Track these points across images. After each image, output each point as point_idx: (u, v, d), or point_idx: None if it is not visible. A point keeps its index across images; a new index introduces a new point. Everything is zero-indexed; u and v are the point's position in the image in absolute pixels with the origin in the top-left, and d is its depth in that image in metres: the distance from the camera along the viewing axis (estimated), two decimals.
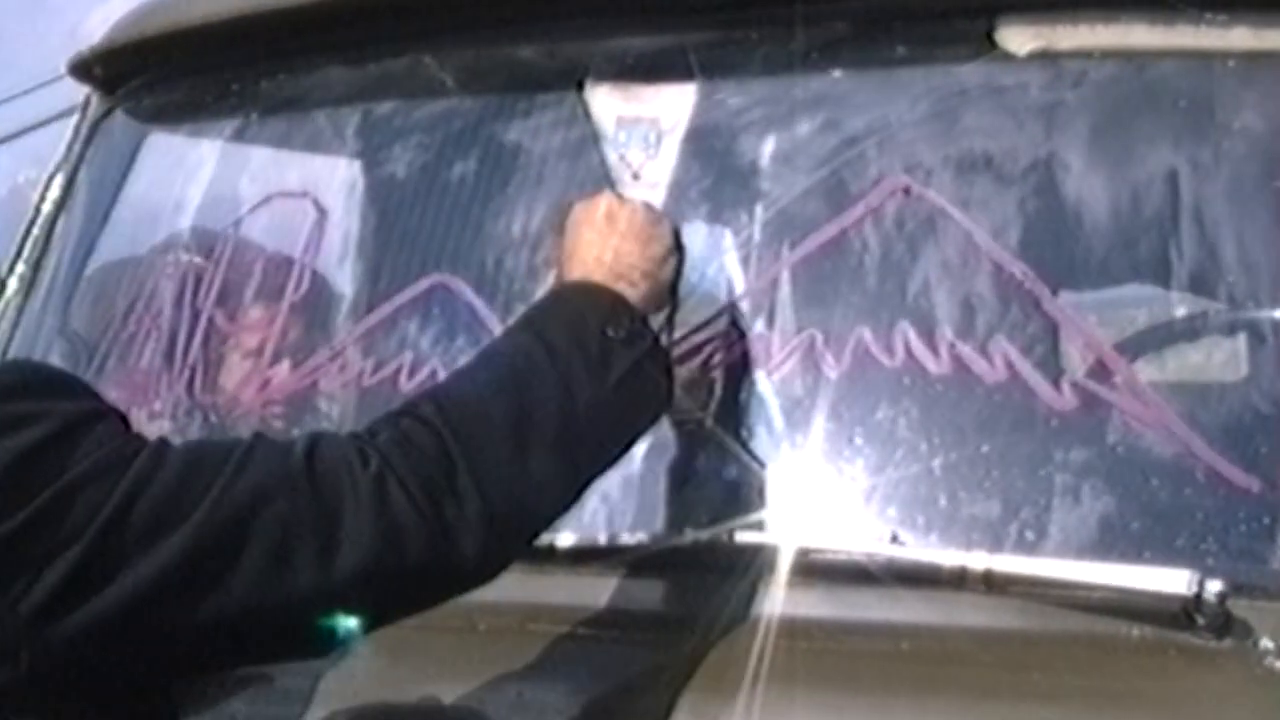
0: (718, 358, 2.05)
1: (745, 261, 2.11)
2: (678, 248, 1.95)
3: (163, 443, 1.56)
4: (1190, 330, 2.21)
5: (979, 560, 1.81)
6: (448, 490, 1.60)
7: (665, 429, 2.04)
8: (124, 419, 1.58)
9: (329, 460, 1.58)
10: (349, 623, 1.60)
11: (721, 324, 2.08)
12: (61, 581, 1.45)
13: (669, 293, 1.94)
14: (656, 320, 1.91)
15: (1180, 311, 2.21)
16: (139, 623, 1.49)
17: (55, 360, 2.51)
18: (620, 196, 1.99)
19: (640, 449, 1.99)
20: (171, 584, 1.49)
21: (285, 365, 2.32)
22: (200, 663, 1.61)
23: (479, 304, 2.17)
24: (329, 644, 1.62)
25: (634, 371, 1.77)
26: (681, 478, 2.03)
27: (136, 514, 1.48)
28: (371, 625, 1.64)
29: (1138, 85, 2.10)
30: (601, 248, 1.89)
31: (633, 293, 1.85)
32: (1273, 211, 2.01)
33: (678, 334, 2.04)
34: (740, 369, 2.04)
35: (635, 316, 1.82)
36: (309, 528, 1.54)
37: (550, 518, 1.74)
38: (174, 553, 1.48)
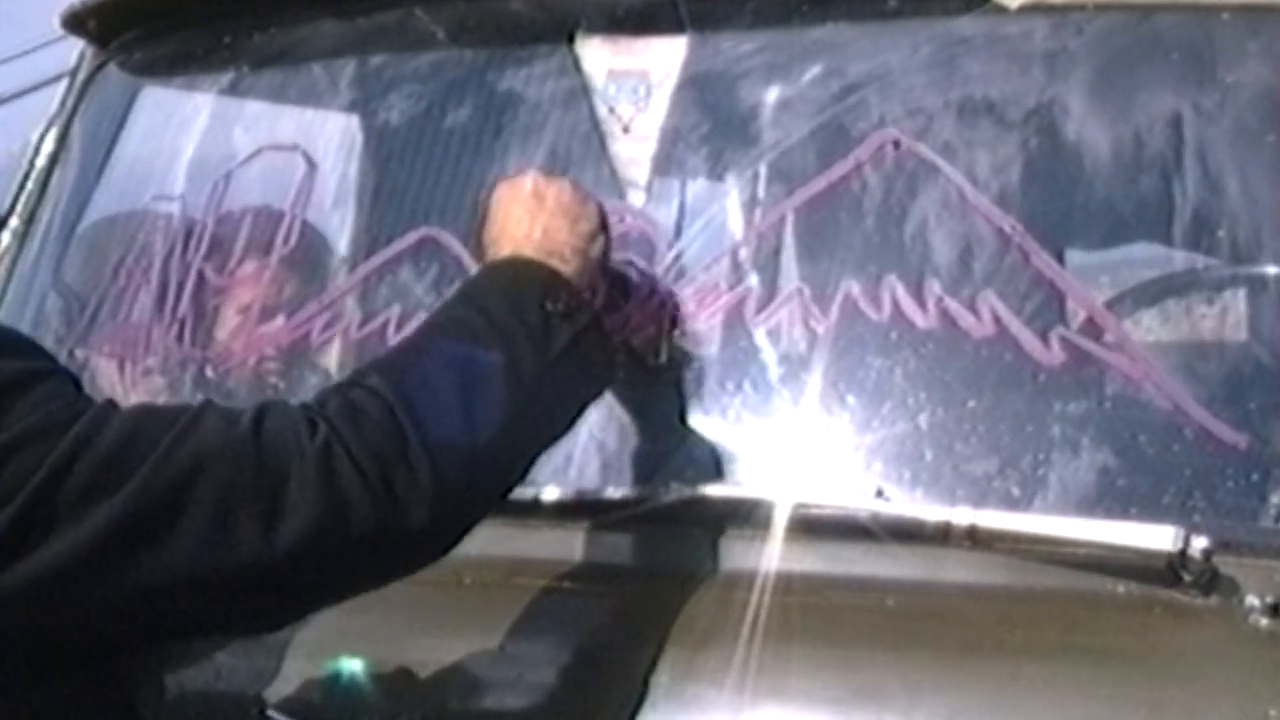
0: (705, 312, 2.04)
1: (734, 215, 2.10)
2: (604, 227, 1.94)
3: (109, 406, 1.55)
4: (1184, 287, 2.20)
5: (964, 516, 1.80)
6: (398, 461, 1.57)
7: (652, 383, 2.03)
8: (75, 380, 1.57)
9: (276, 429, 1.55)
10: (298, 596, 1.59)
11: (709, 277, 2.06)
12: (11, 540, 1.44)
13: (598, 271, 1.92)
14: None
15: (1175, 268, 2.21)
16: (72, 589, 1.47)
17: (49, 313, 2.52)
18: (545, 175, 1.97)
19: (626, 404, 1.99)
20: (107, 550, 1.47)
21: (275, 318, 2.31)
22: (140, 632, 1.57)
23: (466, 257, 2.15)
24: (275, 618, 1.62)
25: (575, 344, 1.75)
26: (667, 432, 2.02)
27: (73, 478, 1.46)
28: (321, 600, 1.63)
29: (1132, 39, 2.08)
30: (530, 225, 1.87)
31: (565, 269, 1.82)
32: (1271, 170, 1.99)
33: (674, 286, 2.03)
34: (727, 323, 2.03)
35: (572, 291, 1.80)
36: (252, 497, 1.51)
37: (500, 489, 1.71)
38: (109, 518, 1.46)
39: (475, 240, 1.97)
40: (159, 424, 1.52)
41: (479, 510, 1.67)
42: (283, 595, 1.58)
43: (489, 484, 1.68)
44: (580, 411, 1.83)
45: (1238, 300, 2.13)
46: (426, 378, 1.66)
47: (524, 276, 1.80)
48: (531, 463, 1.75)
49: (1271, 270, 2.02)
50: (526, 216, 1.88)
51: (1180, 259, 2.13)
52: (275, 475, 1.52)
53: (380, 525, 1.55)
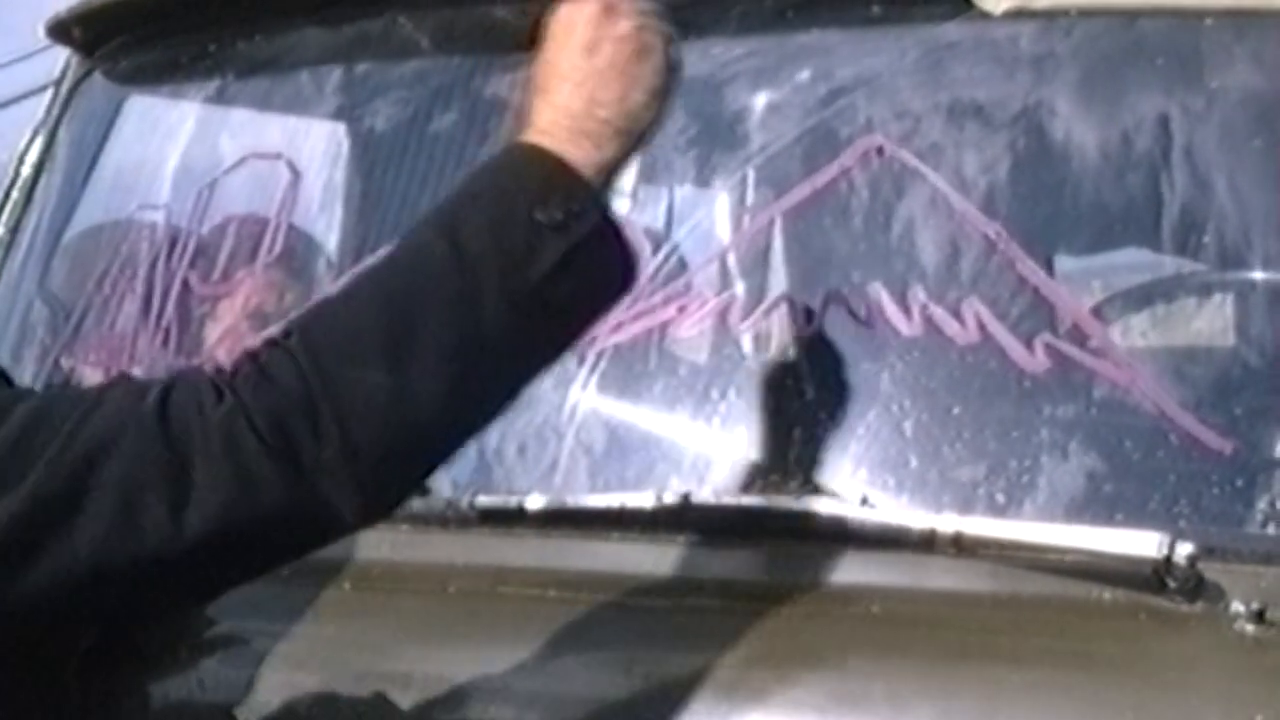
0: (691, 319, 2.03)
1: (720, 222, 2.10)
2: (663, 91, 1.66)
3: (14, 397, 1.50)
4: (1170, 292, 2.20)
5: (949, 523, 1.80)
6: (306, 431, 1.46)
7: (638, 390, 2.03)
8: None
9: (180, 403, 1.47)
10: (211, 576, 1.53)
11: (695, 284, 2.06)
12: None
13: (637, 145, 1.66)
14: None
15: (1162, 273, 2.20)
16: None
17: (34, 322, 2.52)
18: (606, 13, 1.64)
19: (607, 410, 1.98)
20: (10, 544, 1.43)
21: (261, 326, 2.31)
22: (56, 624, 1.53)
23: None
24: (191, 599, 1.58)
25: (564, 264, 1.54)
26: (650, 439, 2.02)
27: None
28: (236, 577, 1.56)
29: (1117, 44, 2.08)
30: (573, 92, 1.61)
31: (597, 155, 1.60)
32: (1259, 175, 1.99)
33: (660, 292, 2.03)
34: (713, 330, 2.03)
35: (577, 192, 1.57)
36: (157, 477, 1.44)
37: (436, 453, 1.57)
38: (11, 512, 1.42)
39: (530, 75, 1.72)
40: (63, 407, 1.47)
41: (413, 474, 1.56)
42: (196, 577, 1.51)
43: (417, 450, 1.54)
44: (567, 343, 1.63)
45: (1224, 305, 2.13)
46: (352, 332, 1.52)
47: (525, 176, 1.58)
48: (485, 420, 1.60)
49: (1258, 275, 2.02)
50: (571, 76, 1.62)
51: (1167, 264, 2.13)
52: (180, 452, 1.45)
53: (289, 500, 1.46)
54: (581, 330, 1.64)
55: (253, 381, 1.48)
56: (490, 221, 1.55)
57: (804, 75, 2.11)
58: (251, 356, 1.51)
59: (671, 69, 1.67)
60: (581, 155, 1.59)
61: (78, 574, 1.44)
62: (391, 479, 1.52)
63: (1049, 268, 2.04)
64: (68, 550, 1.43)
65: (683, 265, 2.10)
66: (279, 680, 1.88)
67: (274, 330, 1.58)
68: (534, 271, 1.53)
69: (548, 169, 1.58)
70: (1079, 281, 2.06)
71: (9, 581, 1.43)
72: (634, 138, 1.64)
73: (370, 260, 1.68)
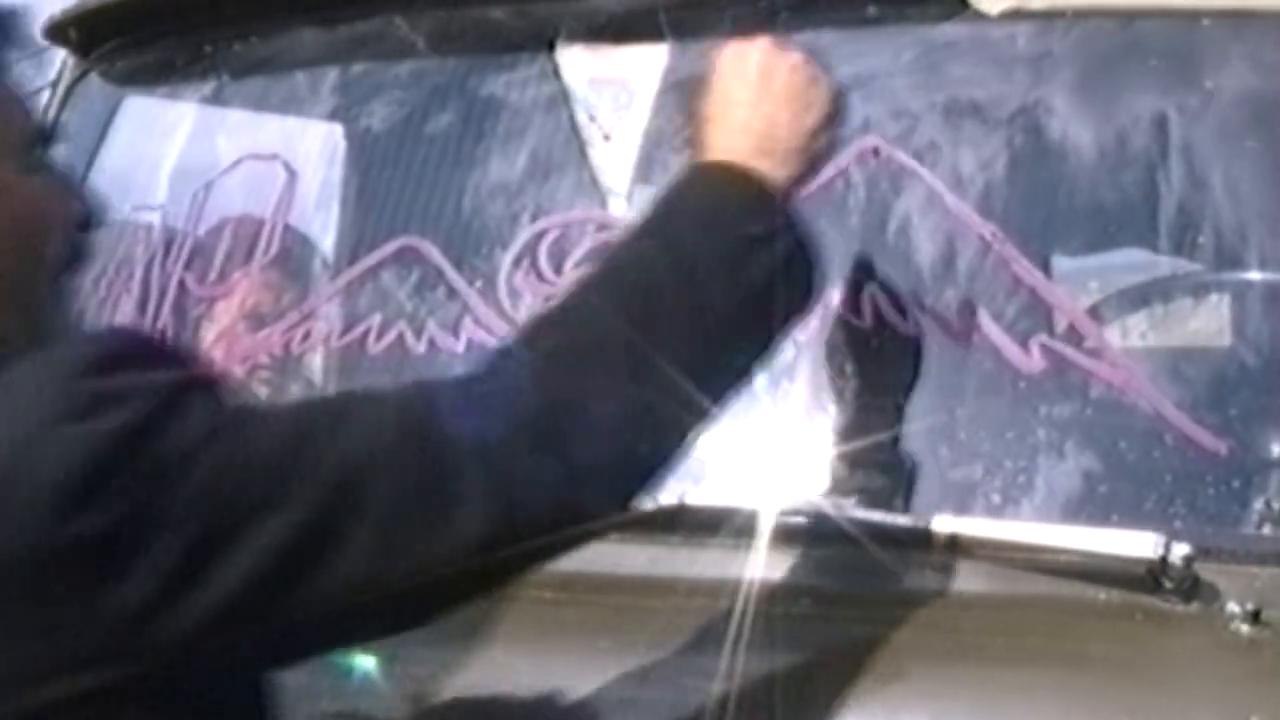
0: None
1: None
2: (834, 116, 1.73)
3: (250, 413, 1.43)
4: (1166, 293, 2.20)
5: (944, 524, 1.80)
6: (560, 438, 1.46)
7: None
8: (219, 383, 1.44)
9: (435, 420, 1.45)
10: (464, 590, 1.50)
11: None
12: (164, 578, 1.31)
13: (813, 168, 1.72)
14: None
15: (1158, 275, 2.20)
16: (244, 614, 1.36)
17: None
18: (776, 46, 1.74)
19: None
20: (280, 568, 1.35)
21: (257, 327, 2.31)
22: (304, 651, 1.47)
23: (446, 266, 2.15)
24: (437, 614, 1.51)
25: (770, 278, 1.57)
26: None
27: (239, 494, 1.35)
28: (483, 591, 1.55)
29: (1114, 44, 2.08)
30: (751, 113, 1.66)
31: (779, 172, 1.63)
32: (1256, 175, 2.00)
33: None
34: None
35: (779, 206, 1.61)
36: (420, 496, 1.41)
37: (668, 456, 1.58)
38: (280, 535, 1.34)
39: (689, 109, 1.76)
40: (308, 427, 1.41)
41: (649, 478, 1.57)
42: (453, 592, 1.49)
43: (654, 451, 1.56)
44: (766, 359, 1.66)
45: (1221, 306, 2.13)
46: (593, 344, 1.53)
47: (728, 192, 1.61)
48: (709, 423, 1.60)
49: (1254, 275, 2.02)
50: (748, 100, 1.67)
51: (1163, 264, 2.13)
52: (436, 470, 1.42)
53: (545, 507, 1.46)
54: (778, 343, 1.67)
55: (505, 396, 1.48)
56: (705, 236, 1.57)
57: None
58: (490, 370, 1.53)
59: (840, 95, 1.74)
60: (769, 172, 1.63)
61: (345, 594, 1.38)
62: (633, 484, 1.55)
63: (1045, 268, 2.04)
64: (340, 569, 1.37)
65: None
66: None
67: (505, 342, 1.60)
68: (750, 285, 1.57)
69: (747, 185, 1.61)
70: (1075, 282, 2.06)
71: (279, 603, 1.36)
72: (810, 159, 1.69)
73: (587, 273, 1.66)
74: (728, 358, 1.59)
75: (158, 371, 1.37)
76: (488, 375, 1.52)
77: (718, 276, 1.56)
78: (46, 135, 1.57)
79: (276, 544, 1.35)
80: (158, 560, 1.31)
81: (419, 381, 1.55)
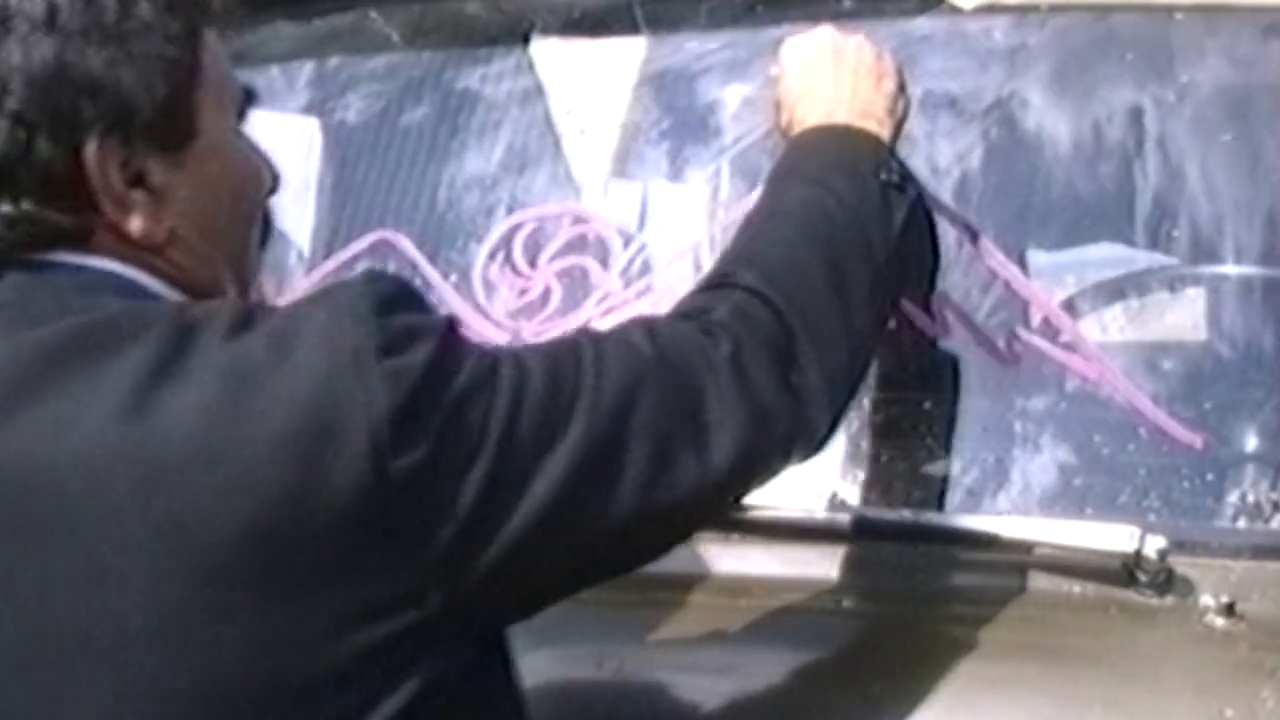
0: (660, 313, 2.03)
1: (692, 217, 2.10)
2: (903, 86, 1.82)
3: (506, 350, 1.45)
4: (1142, 286, 2.20)
5: (920, 517, 1.80)
6: (793, 359, 1.51)
7: None
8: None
9: (679, 348, 1.47)
10: (709, 516, 1.54)
11: (667, 279, 2.06)
12: (471, 510, 1.30)
13: (898, 133, 1.80)
14: None
15: (1134, 268, 2.21)
16: (538, 545, 1.35)
17: None
18: (838, 32, 1.83)
19: None
20: (565, 501, 1.35)
21: None
22: (579, 583, 1.45)
23: (421, 260, 2.14)
24: (680, 542, 1.53)
25: (910, 218, 1.68)
26: None
27: (522, 429, 1.34)
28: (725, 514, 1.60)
29: (1088, 39, 2.09)
30: (838, 85, 1.75)
31: (882, 133, 1.73)
32: (1231, 169, 2.00)
33: (632, 288, 2.03)
34: None
35: (897, 158, 1.72)
36: (679, 421, 1.43)
37: (862, 375, 1.68)
38: (563, 467, 1.35)
39: (771, 102, 1.84)
40: (568, 361, 1.41)
41: (850, 400, 1.65)
42: (702, 518, 1.52)
43: (860, 370, 1.65)
44: (914, 289, 1.78)
45: (1196, 299, 2.14)
46: (797, 269, 1.59)
47: (853, 146, 1.71)
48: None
49: (1229, 269, 2.02)
50: (831, 74, 1.76)
51: (1139, 258, 2.13)
52: (695, 394, 1.44)
53: (792, 426, 1.51)
54: (921, 280, 1.83)
55: (740, 321, 1.51)
56: (853, 183, 1.66)
57: (776, 70, 2.10)
58: (718, 298, 1.55)
59: (901, 67, 1.83)
60: (875, 130, 1.73)
61: (616, 529, 1.39)
62: (845, 402, 1.62)
63: (1021, 262, 2.04)
64: (611, 506, 1.37)
65: (656, 261, 2.09)
66: None
67: (714, 275, 1.62)
68: (894, 225, 1.66)
69: (871, 139, 1.71)
70: (1051, 275, 2.06)
71: (568, 531, 1.37)
72: (896, 122, 1.78)
73: (762, 211, 1.70)
74: (891, 296, 1.70)
75: (426, 309, 1.39)
76: (722, 307, 1.54)
77: (873, 218, 1.64)
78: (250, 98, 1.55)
79: (566, 469, 1.35)
80: (465, 493, 1.30)
81: (650, 318, 1.56)
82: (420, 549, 1.29)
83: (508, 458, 1.32)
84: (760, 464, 1.50)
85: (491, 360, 1.36)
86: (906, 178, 1.70)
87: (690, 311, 1.55)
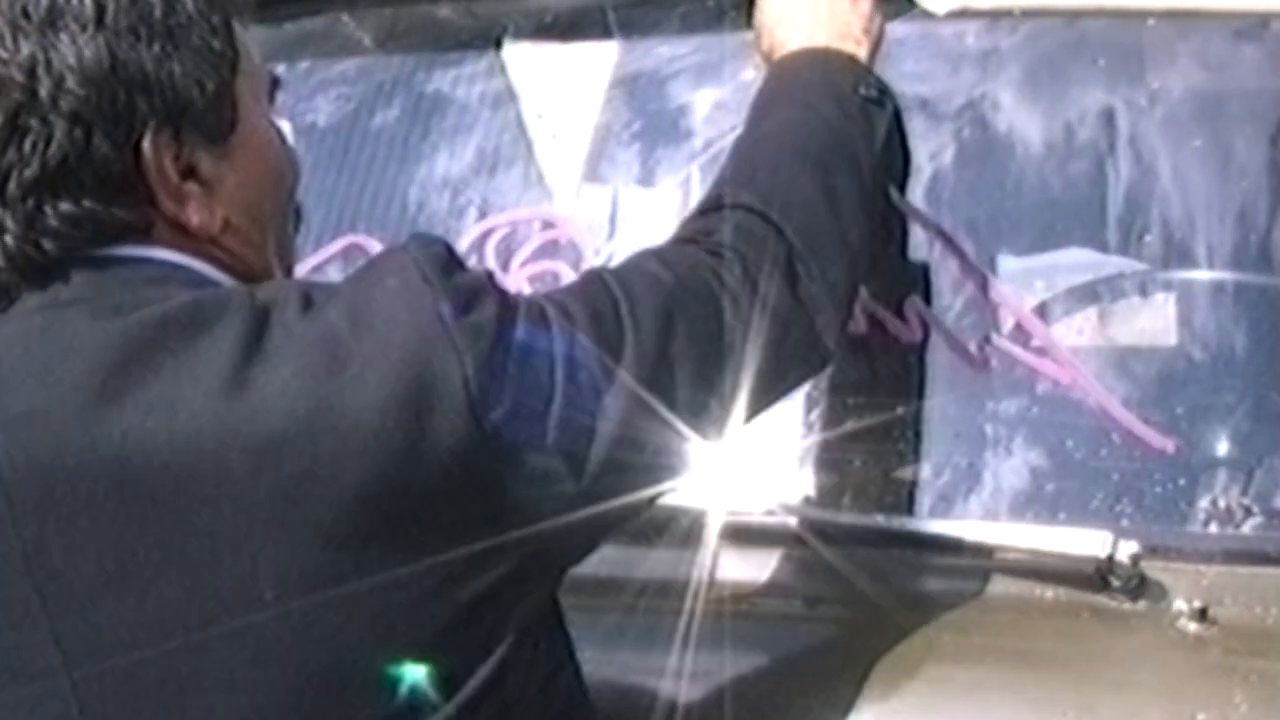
0: None
1: (664, 221, 2.09)
2: (879, 5, 1.86)
3: (543, 296, 1.48)
4: (1113, 291, 2.20)
5: (891, 522, 1.80)
6: (797, 273, 1.57)
7: None
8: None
9: (695, 273, 1.52)
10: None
11: None
12: (551, 451, 1.36)
13: (875, 52, 1.85)
14: None
15: (1105, 273, 2.21)
16: (609, 478, 1.40)
17: None
18: None
19: None
20: (629, 433, 1.41)
21: None
22: (639, 507, 1.51)
23: None
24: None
25: (890, 132, 1.76)
26: None
27: (580, 369, 1.39)
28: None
29: (1060, 44, 2.09)
30: (815, 7, 1.81)
31: (860, 52, 1.79)
32: (1201, 174, 2.00)
33: None
34: None
35: (874, 75, 1.77)
36: (709, 342, 1.49)
37: (858, 287, 1.72)
38: (623, 401, 1.40)
39: (752, 27, 1.89)
40: (604, 300, 1.46)
41: (850, 312, 1.71)
42: (727, 428, 1.55)
43: (856, 282, 1.69)
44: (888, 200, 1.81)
45: (1167, 304, 2.14)
46: (792, 188, 1.63)
47: (833, 66, 1.76)
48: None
49: (1200, 274, 2.02)
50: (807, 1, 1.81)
51: (1110, 263, 2.13)
52: (716, 316, 1.50)
53: (803, 337, 1.57)
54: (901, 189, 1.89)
55: (744, 240, 1.56)
56: (835, 101, 1.71)
57: (748, 74, 2.10)
58: (720, 220, 1.59)
59: None
60: (853, 50, 1.78)
61: (669, 447, 1.45)
62: (849, 309, 1.67)
63: (992, 266, 2.04)
64: (666, 427, 1.44)
65: None
66: None
67: (710, 199, 1.65)
68: (876, 139, 1.72)
69: (843, 60, 1.75)
70: (1021, 280, 2.06)
71: (622, 473, 1.42)
72: (874, 42, 1.82)
73: (749, 136, 1.74)
74: (874, 212, 1.73)
75: (470, 267, 1.42)
76: (726, 228, 1.58)
77: (857, 135, 1.70)
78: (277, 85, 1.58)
79: (626, 403, 1.40)
80: (547, 436, 1.35)
81: (654, 248, 1.58)
82: (516, 494, 1.34)
83: (575, 397, 1.37)
84: (780, 380, 1.57)
85: (539, 309, 1.41)
86: (884, 91, 1.76)
87: (694, 235, 1.59)
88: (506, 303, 1.38)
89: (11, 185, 1.36)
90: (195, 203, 1.41)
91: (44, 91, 1.35)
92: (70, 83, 1.35)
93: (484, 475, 1.33)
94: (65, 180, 1.36)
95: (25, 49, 1.35)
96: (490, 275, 1.42)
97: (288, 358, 1.31)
